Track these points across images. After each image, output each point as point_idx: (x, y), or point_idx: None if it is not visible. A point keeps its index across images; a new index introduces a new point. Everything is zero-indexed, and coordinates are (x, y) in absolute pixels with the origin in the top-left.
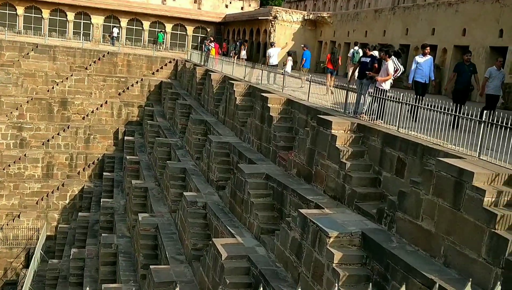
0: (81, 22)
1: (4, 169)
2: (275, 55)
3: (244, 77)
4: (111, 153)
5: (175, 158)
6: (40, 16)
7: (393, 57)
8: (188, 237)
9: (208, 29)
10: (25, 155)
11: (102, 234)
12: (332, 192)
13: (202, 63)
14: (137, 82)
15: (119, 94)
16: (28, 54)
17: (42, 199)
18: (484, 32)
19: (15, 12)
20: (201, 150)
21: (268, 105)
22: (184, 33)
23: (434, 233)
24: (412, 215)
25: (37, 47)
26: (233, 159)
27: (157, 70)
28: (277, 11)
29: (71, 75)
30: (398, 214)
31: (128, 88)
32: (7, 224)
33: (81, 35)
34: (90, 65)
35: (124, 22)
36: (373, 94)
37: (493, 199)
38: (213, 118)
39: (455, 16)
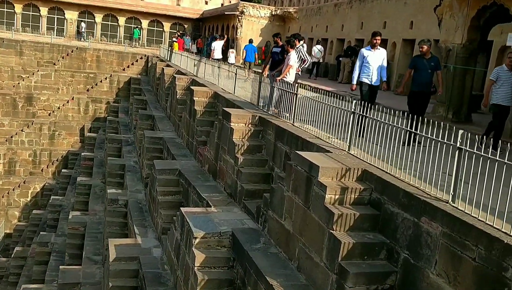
0: (54, 17)
1: None
2: (218, 48)
3: (196, 72)
4: (76, 150)
5: (122, 154)
6: (13, 11)
7: (301, 46)
8: (106, 237)
9: (186, 26)
10: None
11: (41, 233)
12: (229, 189)
13: (168, 59)
14: (106, 78)
15: (88, 90)
16: None
17: (3, 197)
18: (429, 25)
19: None
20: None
21: (194, 98)
22: (161, 29)
23: (292, 233)
24: (278, 214)
25: (3, 41)
26: (164, 155)
27: (128, 66)
28: (244, 6)
29: (38, 71)
30: (269, 213)
31: (96, 84)
32: None
33: (55, 30)
34: (59, 60)
35: (99, 17)
36: (277, 86)
37: (337, 197)
38: (162, 113)
39: (404, 8)
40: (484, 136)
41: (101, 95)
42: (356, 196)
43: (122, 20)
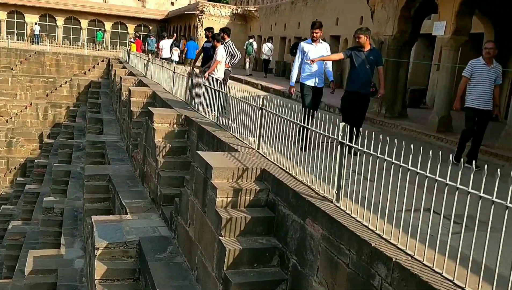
0: (14, 21)
1: None
2: (167, 47)
3: (146, 73)
4: (34, 157)
5: (72, 160)
6: None
7: (230, 42)
8: (39, 248)
9: (151, 27)
10: None
11: None
12: (152, 194)
13: (126, 61)
14: (66, 83)
15: (47, 95)
16: None
17: None
18: None
19: None
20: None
21: (131, 99)
22: (125, 31)
23: (193, 241)
24: (184, 220)
25: None
26: (106, 160)
27: (89, 70)
28: (204, 6)
29: None
30: (178, 219)
31: (56, 89)
32: None
33: (15, 34)
34: (16, 65)
35: (60, 20)
36: (204, 83)
37: (230, 199)
38: (113, 116)
39: (354, 3)
40: (459, 151)
41: (61, 100)
42: (251, 198)
43: (84, 23)
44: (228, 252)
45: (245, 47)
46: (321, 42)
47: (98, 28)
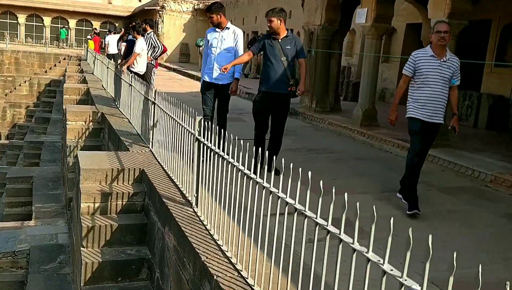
0: None
1: None
2: (113, 43)
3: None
4: None
5: (17, 162)
6: None
7: (152, 34)
8: None
9: (117, 24)
10: None
11: None
12: (66, 197)
13: (86, 58)
14: (25, 82)
15: (6, 94)
16: None
17: None
18: None
19: None
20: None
21: (64, 96)
22: (90, 28)
23: (74, 250)
24: (73, 226)
25: None
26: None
27: (50, 68)
28: (165, 1)
29: None
30: (71, 225)
31: (15, 88)
32: None
33: None
34: None
35: (22, 18)
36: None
37: (98, 205)
38: (61, 115)
39: None
40: (406, 184)
41: (20, 99)
42: (125, 203)
43: (47, 20)
44: (85, 265)
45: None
46: (228, 28)
47: (62, 26)
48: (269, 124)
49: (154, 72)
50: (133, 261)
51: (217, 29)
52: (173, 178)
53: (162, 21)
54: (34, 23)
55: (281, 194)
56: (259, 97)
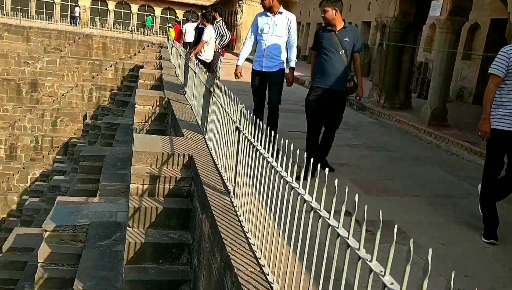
0: (68, 4)
1: None
2: (190, 31)
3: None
4: (77, 137)
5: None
6: None
7: (221, 22)
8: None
9: (199, 13)
10: None
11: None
12: None
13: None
14: (111, 66)
15: (93, 77)
16: (2, 35)
17: (3, 182)
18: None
19: None
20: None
21: (139, 81)
22: (174, 16)
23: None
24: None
25: (11, 28)
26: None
27: (135, 54)
28: None
29: (43, 57)
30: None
31: (102, 72)
32: None
33: (68, 17)
34: (65, 47)
35: (112, 5)
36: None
37: (146, 187)
38: None
39: None
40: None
41: (106, 82)
42: (172, 187)
43: (135, 8)
44: (128, 245)
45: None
46: (280, 13)
47: (148, 13)
48: (322, 124)
49: (220, 60)
50: (175, 245)
51: (268, 14)
52: (218, 166)
53: (241, 10)
54: (123, 10)
55: (307, 197)
56: (314, 95)
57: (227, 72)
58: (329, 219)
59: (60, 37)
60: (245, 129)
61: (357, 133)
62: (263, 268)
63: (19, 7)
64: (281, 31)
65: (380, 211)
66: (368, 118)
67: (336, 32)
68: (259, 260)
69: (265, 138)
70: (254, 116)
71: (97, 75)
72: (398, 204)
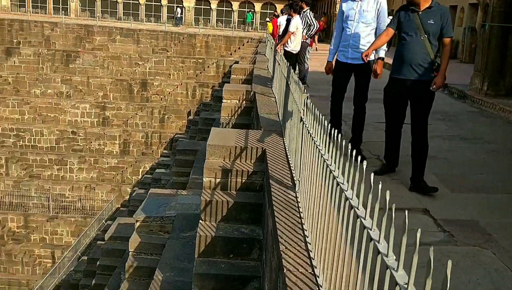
0: (174, 6)
1: (87, 145)
2: (284, 24)
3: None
4: (181, 133)
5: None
6: (137, 2)
7: (308, 11)
8: None
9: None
10: (104, 133)
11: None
12: None
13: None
14: (213, 63)
15: (196, 75)
16: (115, 38)
17: (117, 174)
18: None
19: (115, 0)
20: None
21: (232, 76)
22: (273, 11)
23: None
24: None
25: (123, 31)
26: None
27: (235, 51)
28: None
29: (152, 58)
30: None
31: (204, 69)
32: (85, 196)
33: (174, 18)
34: (171, 47)
35: (214, 4)
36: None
37: (219, 180)
38: None
39: None
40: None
41: (208, 79)
42: (244, 181)
43: (235, 5)
44: (199, 238)
45: None
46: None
47: (248, 10)
48: (404, 117)
49: (308, 51)
50: (245, 239)
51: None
52: (290, 160)
53: (340, 1)
54: (224, 8)
55: (348, 193)
56: (390, 86)
57: (322, 62)
58: (364, 218)
59: (167, 38)
60: (307, 120)
61: (453, 124)
62: (315, 269)
63: (130, 11)
64: (369, 17)
65: (462, 210)
66: (468, 107)
67: (420, 12)
68: (312, 260)
69: (323, 130)
70: (330, 110)
71: (200, 73)
72: (485, 203)
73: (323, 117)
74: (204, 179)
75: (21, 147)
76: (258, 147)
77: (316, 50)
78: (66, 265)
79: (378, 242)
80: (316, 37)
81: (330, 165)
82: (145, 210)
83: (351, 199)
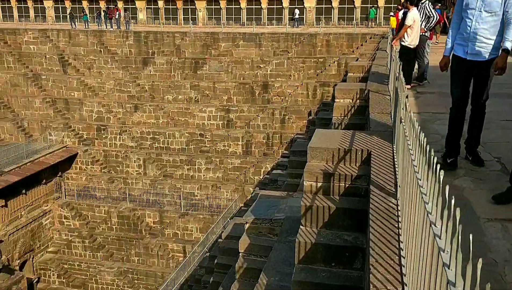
0: (294, 7)
1: (213, 146)
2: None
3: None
4: (302, 133)
5: None
6: (259, 6)
7: (427, 3)
8: None
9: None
10: (229, 134)
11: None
12: None
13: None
14: (334, 62)
15: (317, 74)
16: (238, 43)
17: (240, 174)
18: None
19: (239, 6)
20: None
21: (348, 74)
22: (397, 5)
23: None
24: None
25: (245, 36)
26: None
27: (357, 48)
28: None
29: (273, 60)
30: None
31: (325, 68)
32: (212, 194)
33: (292, 20)
34: (292, 48)
35: (335, 2)
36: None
37: (320, 184)
38: None
39: None
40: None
41: (329, 78)
42: (347, 185)
43: (358, 2)
44: (298, 244)
45: None
46: None
47: (371, 5)
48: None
49: (428, 45)
50: (347, 247)
51: None
52: (396, 163)
53: None
54: (346, 6)
55: (425, 198)
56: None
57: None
58: (435, 225)
59: (287, 39)
60: (405, 120)
61: None
62: (405, 287)
63: (253, 16)
64: (494, 4)
65: None
66: None
67: None
68: (404, 277)
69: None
70: (450, 115)
71: (321, 72)
72: None
73: (416, 120)
74: (304, 183)
75: (157, 148)
76: (363, 150)
77: (437, 43)
78: (195, 260)
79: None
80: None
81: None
82: (254, 212)
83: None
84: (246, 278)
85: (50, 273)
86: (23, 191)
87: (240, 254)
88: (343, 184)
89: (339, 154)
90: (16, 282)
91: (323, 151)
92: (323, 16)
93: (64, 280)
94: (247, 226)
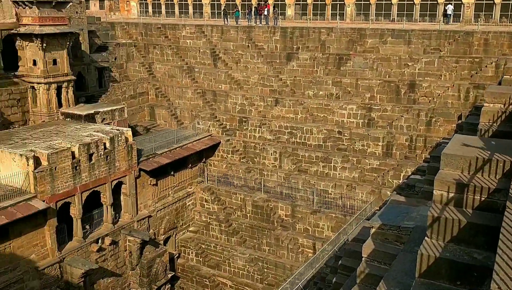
0: (450, 3)
1: (351, 145)
2: None
3: None
4: (450, 138)
5: None
6: (412, 2)
7: None
8: None
9: None
10: (369, 134)
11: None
12: None
13: None
14: (492, 63)
15: (471, 76)
16: (386, 40)
17: (378, 176)
18: None
19: (389, 1)
20: None
21: (505, 76)
22: None
23: None
24: None
25: (394, 32)
26: None
27: None
28: None
29: (422, 58)
30: None
31: (481, 69)
32: (346, 194)
33: (443, 16)
34: (445, 46)
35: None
36: None
37: (452, 195)
38: None
39: None
40: None
41: (485, 80)
42: (483, 199)
43: None
44: (420, 256)
45: None
46: None
47: None
48: None
49: None
50: (476, 267)
51: None
52: None
53: None
54: (510, 2)
55: None
56: None
57: None
58: None
59: (440, 37)
60: None
61: None
62: None
63: (404, 12)
64: None
65: None
66: None
67: None
68: None
69: None
70: None
71: (476, 73)
72: None
73: None
74: (434, 192)
75: (293, 143)
76: (506, 161)
77: None
78: (324, 258)
79: None
80: None
81: None
82: (382, 217)
83: None
84: (367, 284)
85: (189, 250)
86: (172, 173)
87: (363, 258)
88: (478, 197)
89: (476, 164)
90: (160, 255)
91: (459, 159)
92: (483, 12)
93: (201, 259)
94: (373, 230)
